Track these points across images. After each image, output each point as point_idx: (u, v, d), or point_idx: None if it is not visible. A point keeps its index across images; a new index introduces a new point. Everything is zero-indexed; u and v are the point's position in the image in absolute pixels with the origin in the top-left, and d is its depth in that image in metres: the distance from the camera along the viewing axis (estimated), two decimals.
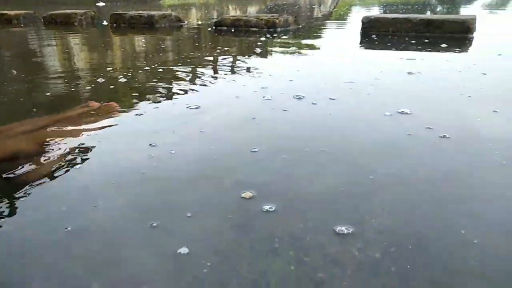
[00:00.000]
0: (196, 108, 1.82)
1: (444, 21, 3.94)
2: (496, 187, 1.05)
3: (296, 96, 1.99)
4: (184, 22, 6.11)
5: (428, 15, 4.21)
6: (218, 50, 3.62)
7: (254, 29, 5.04)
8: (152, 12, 5.77)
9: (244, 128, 1.55)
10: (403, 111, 1.69)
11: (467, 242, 0.81)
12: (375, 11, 10.71)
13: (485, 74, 2.40)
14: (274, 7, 12.92)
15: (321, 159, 1.24)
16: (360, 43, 3.99)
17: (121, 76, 2.49)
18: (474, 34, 4.03)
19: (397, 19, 4.18)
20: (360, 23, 4.47)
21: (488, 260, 0.76)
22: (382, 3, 16.77)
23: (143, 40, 4.53)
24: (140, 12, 5.89)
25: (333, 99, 1.95)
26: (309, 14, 9.74)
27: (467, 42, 3.70)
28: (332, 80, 2.39)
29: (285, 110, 1.78)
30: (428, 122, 1.54)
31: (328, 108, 1.82)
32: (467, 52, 3.30)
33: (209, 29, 5.54)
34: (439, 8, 11.59)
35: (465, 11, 10.69)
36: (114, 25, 5.84)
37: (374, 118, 1.65)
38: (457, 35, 3.89)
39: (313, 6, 13.47)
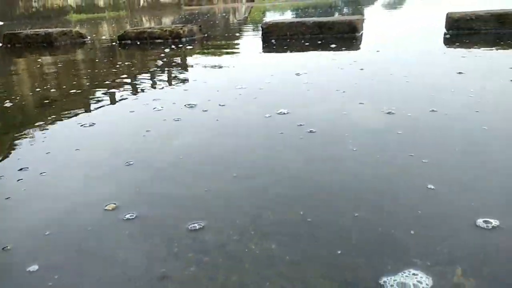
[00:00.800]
0: (90, 125, 1.80)
1: (334, 23, 4.26)
2: (346, 171, 1.19)
3: (188, 105, 2.05)
4: (87, 38, 5.91)
5: (320, 18, 4.51)
6: (117, 65, 3.58)
7: (159, 40, 5.03)
8: (50, 30, 5.50)
9: (126, 142, 1.57)
10: (281, 112, 1.82)
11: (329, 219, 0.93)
12: (287, 15, 11.18)
13: (362, 69, 2.65)
14: (185, 17, 12.92)
15: (192, 165, 1.30)
16: (261, 48, 4.17)
17: (7, 101, 2.37)
18: (362, 33, 4.41)
19: (293, 23, 4.43)
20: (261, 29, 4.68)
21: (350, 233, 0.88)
22: (294, 8, 17.55)
23: (38, 60, 4.31)
24: (37, 30, 5.59)
25: (223, 105, 2.03)
26: (217, 22, 9.89)
27: (354, 41, 4.04)
28: (225, 86, 2.49)
29: (177, 120, 1.82)
30: (301, 120, 1.67)
31: (217, 114, 1.89)
32: (351, 50, 3.60)
33: (114, 43, 5.43)
34: (345, 10, 12.43)
35: (368, 11, 11.58)
36: (8, 45, 5.48)
37: (254, 120, 1.76)
38: (346, 35, 4.22)
39: (223, 14, 13.70)
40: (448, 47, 3.57)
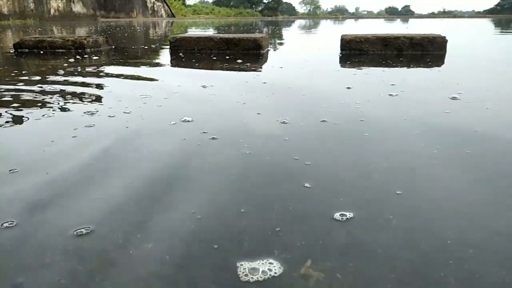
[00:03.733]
0: None
1: (240, 39, 4.44)
2: (236, 171, 1.27)
3: (88, 112, 2.01)
4: None
5: (227, 34, 4.67)
6: (12, 74, 3.32)
7: (61, 50, 4.77)
8: None
9: (22, 150, 1.50)
10: (186, 119, 1.86)
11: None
12: (210, 32, 11.27)
13: (265, 83, 2.81)
14: (99, 29, 12.39)
15: (88, 171, 1.29)
16: (169, 60, 4.18)
17: None
18: (268, 50, 4.65)
19: (201, 38, 4.52)
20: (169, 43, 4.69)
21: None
22: (216, 25, 17.76)
23: None
24: None
25: (128, 112, 2.01)
26: (127, 35, 9.64)
27: (260, 57, 4.24)
28: (130, 95, 2.47)
29: (75, 128, 1.75)
30: (204, 128, 1.73)
31: (123, 121, 1.88)
32: (256, 65, 3.79)
33: (10, 51, 5.03)
34: (265, 29, 12.93)
35: (285, 31, 12.17)
36: None
37: (160, 127, 1.78)
38: (252, 51, 4.42)
39: (140, 28, 13.41)
40: (341, 65, 3.93)
